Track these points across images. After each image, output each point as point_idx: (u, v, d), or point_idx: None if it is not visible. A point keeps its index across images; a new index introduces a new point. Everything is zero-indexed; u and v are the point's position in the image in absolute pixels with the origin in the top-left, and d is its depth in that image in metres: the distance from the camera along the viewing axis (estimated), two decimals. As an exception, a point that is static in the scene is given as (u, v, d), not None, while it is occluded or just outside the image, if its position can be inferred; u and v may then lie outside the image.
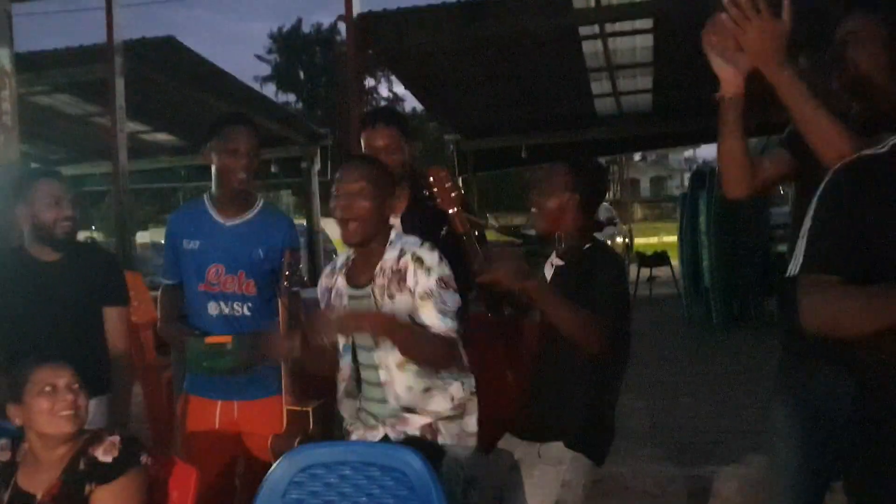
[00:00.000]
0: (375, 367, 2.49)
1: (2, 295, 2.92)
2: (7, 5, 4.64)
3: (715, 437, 4.88)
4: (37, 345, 2.85)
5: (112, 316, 3.07)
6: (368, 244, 2.46)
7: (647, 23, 9.32)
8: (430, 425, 2.49)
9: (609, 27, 9.37)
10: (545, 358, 2.63)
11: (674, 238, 22.10)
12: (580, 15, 8.92)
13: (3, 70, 4.60)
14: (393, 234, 2.50)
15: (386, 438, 2.52)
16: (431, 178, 2.69)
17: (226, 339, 2.88)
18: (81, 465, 2.27)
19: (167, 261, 3.13)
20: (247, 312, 2.96)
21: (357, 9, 8.64)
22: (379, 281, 2.44)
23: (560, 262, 2.68)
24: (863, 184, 1.59)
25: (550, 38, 9.53)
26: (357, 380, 2.57)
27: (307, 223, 14.13)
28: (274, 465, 2.42)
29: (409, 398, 2.46)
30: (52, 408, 2.26)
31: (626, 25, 9.41)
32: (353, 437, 2.61)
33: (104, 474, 2.25)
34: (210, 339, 2.89)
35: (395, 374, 2.45)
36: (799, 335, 2.12)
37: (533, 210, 2.76)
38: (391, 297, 2.41)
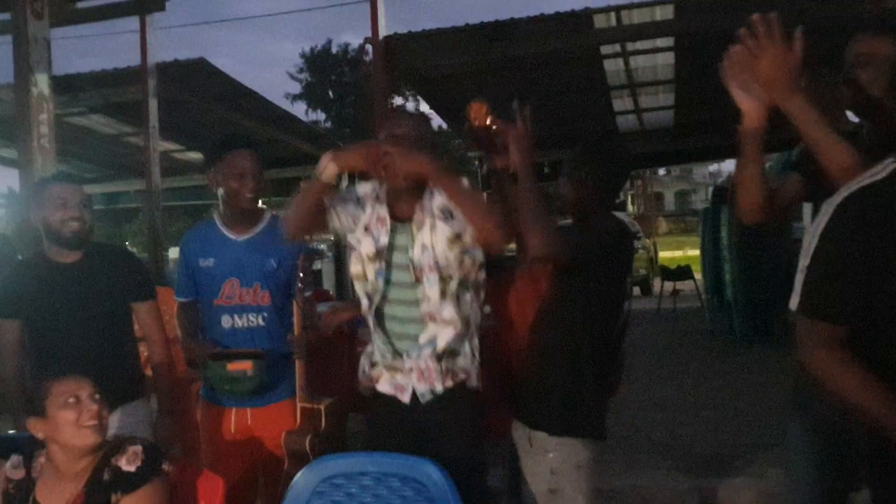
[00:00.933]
0: (415, 302, 2.60)
1: (26, 299, 2.95)
2: (46, 32, 4.80)
3: (735, 450, 4.91)
4: (64, 346, 2.90)
5: (141, 310, 3.12)
6: (411, 188, 2.54)
7: (668, 41, 9.40)
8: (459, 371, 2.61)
9: (630, 46, 9.46)
10: (528, 346, 2.66)
11: (698, 252, 21.99)
12: (601, 34, 9.02)
13: (42, 95, 4.76)
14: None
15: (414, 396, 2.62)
16: (472, 114, 2.62)
17: (247, 365, 2.96)
18: (105, 476, 2.28)
19: (181, 279, 3.19)
20: (261, 322, 3.05)
21: (383, 31, 8.82)
22: (417, 215, 2.57)
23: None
24: (865, 220, 1.58)
25: (572, 57, 9.64)
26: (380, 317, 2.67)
27: (334, 237, 14.28)
28: (297, 475, 2.49)
29: (450, 335, 2.58)
30: (77, 419, 2.27)
31: (647, 44, 9.49)
32: (381, 380, 2.69)
33: (129, 483, 2.26)
34: (233, 366, 2.97)
35: (437, 304, 2.56)
36: None
37: (557, 200, 2.78)
38: (433, 228, 2.54)
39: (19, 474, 2.36)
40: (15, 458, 2.39)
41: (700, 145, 13.39)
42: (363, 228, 2.65)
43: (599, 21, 8.81)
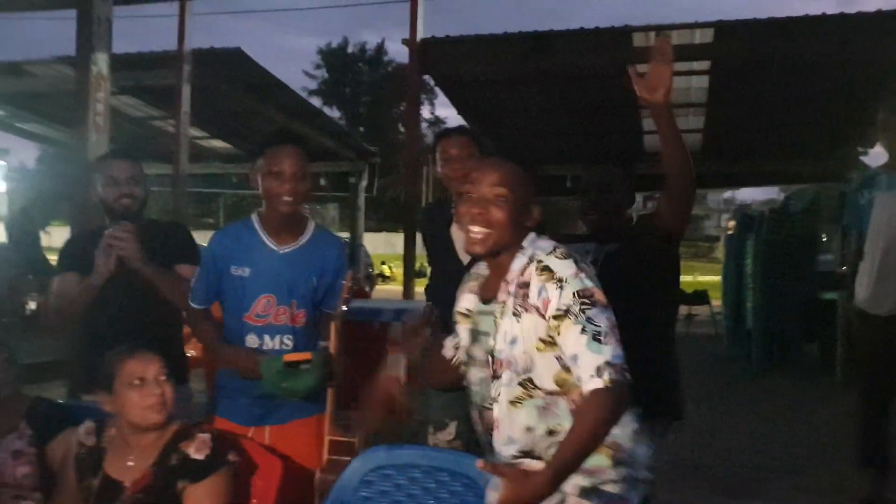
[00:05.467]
0: (489, 402, 2.07)
1: (85, 263, 2.95)
2: (108, 12, 4.82)
3: (756, 474, 4.95)
4: (113, 315, 2.92)
5: (184, 271, 2.97)
6: (497, 256, 2.05)
7: (704, 65, 9.43)
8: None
9: (666, 66, 9.47)
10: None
11: (710, 278, 21.99)
12: (639, 53, 9.04)
13: (101, 74, 4.79)
14: (527, 239, 2.05)
15: None
16: None
17: (305, 356, 2.65)
18: (173, 461, 2.29)
19: (202, 284, 2.79)
20: (290, 344, 2.74)
21: (421, 33, 8.86)
22: (502, 297, 2.01)
23: (612, 248, 2.77)
24: None
25: (607, 74, 9.66)
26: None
27: (350, 236, 14.38)
28: (348, 466, 2.45)
29: (527, 441, 2.00)
30: (140, 401, 2.29)
31: (683, 66, 9.50)
32: None
33: (197, 472, 2.26)
34: (289, 357, 2.65)
35: (506, 411, 2.01)
36: None
37: (593, 213, 2.82)
38: (516, 315, 1.96)
39: (91, 441, 2.39)
40: (88, 424, 2.42)
41: (724, 171, 13.41)
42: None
43: (638, 39, 8.86)
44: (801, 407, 7.03)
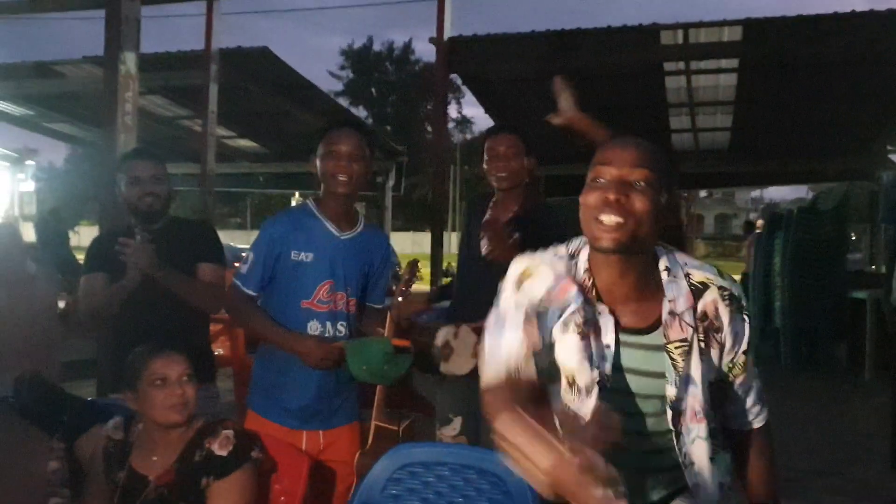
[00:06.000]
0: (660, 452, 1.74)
1: (111, 262, 2.96)
2: (137, 12, 4.86)
3: (784, 475, 4.88)
4: (138, 313, 2.94)
5: (205, 270, 3.02)
6: (629, 254, 1.60)
7: (732, 62, 9.37)
8: None
9: (694, 64, 9.43)
10: None
11: (737, 276, 21.79)
12: (667, 51, 9.01)
13: (129, 74, 4.83)
14: (666, 255, 1.68)
15: None
16: None
17: (405, 342, 2.70)
18: (197, 457, 2.31)
19: (257, 269, 2.73)
20: (345, 332, 2.75)
21: (448, 32, 8.87)
22: (675, 332, 1.63)
23: None
24: None
25: (634, 72, 9.63)
26: None
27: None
28: (377, 463, 2.48)
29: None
30: (163, 400, 2.31)
31: (711, 64, 9.45)
32: None
33: (220, 468, 2.29)
34: (397, 342, 2.65)
35: (706, 470, 1.70)
36: None
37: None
38: (703, 353, 1.64)
39: (119, 435, 2.43)
40: (117, 420, 2.46)
41: (753, 170, 13.30)
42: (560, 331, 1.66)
43: (666, 38, 8.82)
44: (829, 406, 6.96)
